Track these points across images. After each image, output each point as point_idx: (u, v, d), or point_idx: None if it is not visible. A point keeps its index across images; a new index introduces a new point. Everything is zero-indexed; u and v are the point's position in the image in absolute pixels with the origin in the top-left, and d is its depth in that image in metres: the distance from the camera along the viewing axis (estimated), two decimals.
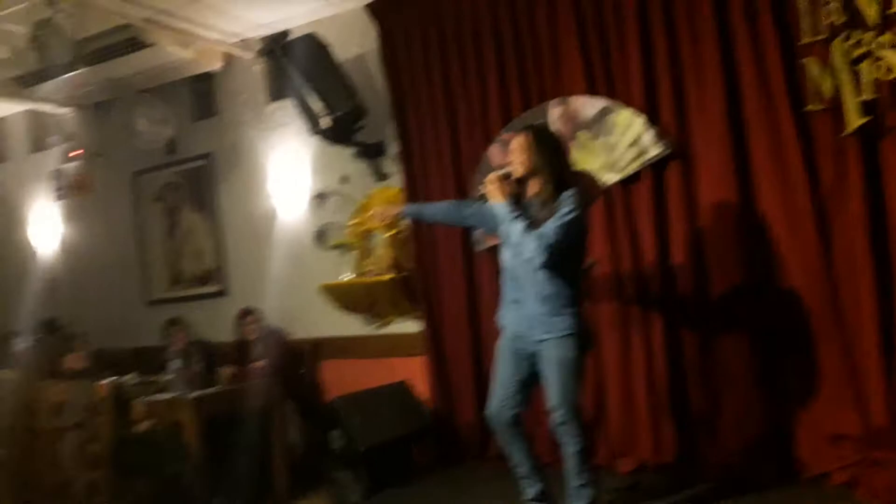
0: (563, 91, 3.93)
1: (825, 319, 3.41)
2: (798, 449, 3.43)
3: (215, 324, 4.98)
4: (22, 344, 4.88)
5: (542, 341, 2.90)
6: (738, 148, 3.58)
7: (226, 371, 4.52)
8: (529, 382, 2.99)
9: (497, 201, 2.91)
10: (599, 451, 3.87)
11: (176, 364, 4.36)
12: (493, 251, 4.12)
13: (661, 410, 3.74)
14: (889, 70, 3.14)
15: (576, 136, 3.88)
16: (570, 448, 2.92)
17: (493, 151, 4.14)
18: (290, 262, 4.93)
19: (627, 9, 3.74)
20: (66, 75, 4.73)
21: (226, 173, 5.32)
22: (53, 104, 5.73)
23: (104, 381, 3.89)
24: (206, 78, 5.23)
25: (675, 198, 3.72)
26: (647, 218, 3.77)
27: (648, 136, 3.70)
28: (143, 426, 3.96)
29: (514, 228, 2.85)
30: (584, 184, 3.87)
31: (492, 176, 2.93)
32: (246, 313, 4.76)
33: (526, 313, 2.93)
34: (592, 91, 3.85)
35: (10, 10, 3.96)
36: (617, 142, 3.77)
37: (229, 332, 4.76)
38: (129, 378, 4.49)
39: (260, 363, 4.60)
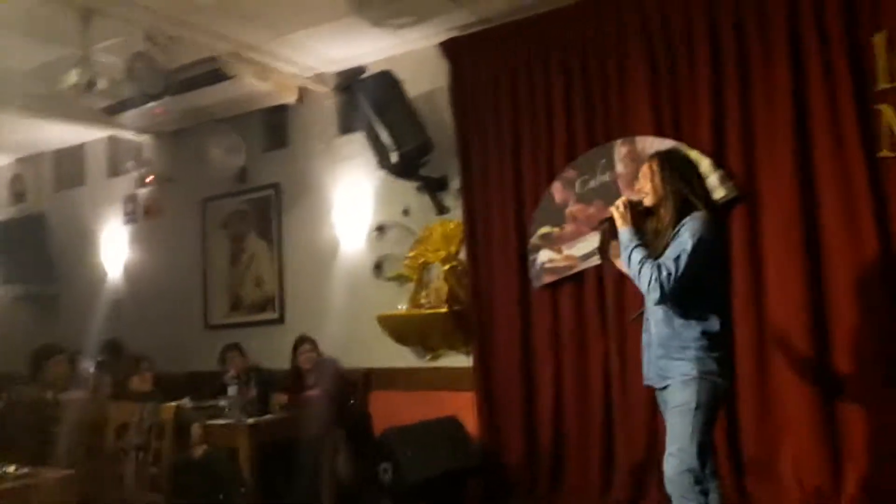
0: (629, 131, 3.97)
1: (888, 375, 3.29)
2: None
3: (271, 351, 5.06)
4: (88, 364, 5.01)
5: (663, 389, 2.65)
6: (806, 194, 3.55)
7: (280, 398, 4.57)
8: None
9: (621, 227, 2.69)
10: (650, 494, 3.77)
11: (232, 389, 4.41)
12: (552, 287, 4.15)
13: (716, 452, 3.62)
14: None
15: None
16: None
17: (556, 188, 4.19)
18: (347, 292, 5.02)
19: (699, 50, 3.78)
20: (150, 105, 5.00)
21: (292, 203, 5.48)
22: (133, 131, 6.03)
23: (168, 404, 3.96)
24: (281, 110, 5.44)
25: (739, 241, 3.69)
26: None
27: (714, 178, 3.69)
28: (200, 451, 4.00)
29: (633, 258, 2.61)
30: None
31: (620, 201, 2.73)
32: (302, 341, 4.80)
33: (649, 357, 2.70)
34: (659, 132, 3.88)
35: (109, 42, 4.21)
36: None
37: (285, 359, 4.81)
38: (185, 402, 4.57)
39: (313, 392, 4.64)
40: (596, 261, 4.05)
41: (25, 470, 3.02)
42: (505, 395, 4.34)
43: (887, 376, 3.31)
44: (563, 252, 4.15)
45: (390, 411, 4.67)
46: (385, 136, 4.52)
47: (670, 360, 2.58)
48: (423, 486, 3.93)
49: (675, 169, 2.68)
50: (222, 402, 4.42)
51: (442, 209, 4.75)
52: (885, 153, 3.34)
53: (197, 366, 5.46)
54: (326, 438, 4.39)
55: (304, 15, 4.31)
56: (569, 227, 4.16)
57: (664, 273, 2.50)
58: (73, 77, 4.02)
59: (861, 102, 3.40)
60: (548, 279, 4.20)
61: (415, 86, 4.63)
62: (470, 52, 4.53)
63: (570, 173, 4.15)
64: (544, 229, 4.11)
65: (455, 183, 4.67)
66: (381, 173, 4.80)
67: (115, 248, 6.37)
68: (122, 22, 4.04)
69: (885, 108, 3.31)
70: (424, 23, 4.46)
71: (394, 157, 4.54)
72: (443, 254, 4.64)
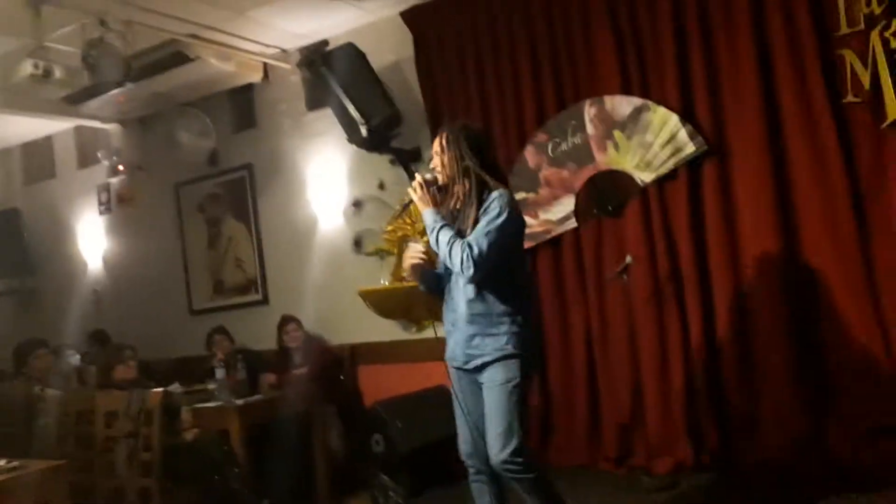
0: (597, 91, 3.96)
1: (864, 311, 3.37)
2: (839, 445, 3.37)
3: (257, 332, 5.06)
4: (73, 356, 5.00)
5: (478, 368, 2.52)
6: (774, 143, 3.57)
7: (268, 378, 4.60)
8: None
9: (422, 209, 2.57)
10: (637, 452, 3.85)
11: (220, 373, 4.43)
12: (530, 253, 4.17)
13: (700, 409, 3.71)
14: None
15: (611, 135, 3.90)
16: (522, 489, 2.47)
17: (529, 152, 4.18)
18: (328, 269, 5.03)
19: (661, 6, 3.76)
20: (113, 92, 4.91)
21: (266, 183, 5.44)
22: (99, 120, 5.93)
23: (155, 391, 3.98)
24: (247, 90, 5.37)
25: (711, 195, 3.72)
26: (683, 216, 3.77)
27: (683, 134, 3.70)
28: (191, 434, 4.03)
29: (441, 239, 2.50)
30: (620, 183, 3.90)
31: (415, 182, 2.59)
32: (286, 321, 4.82)
33: (459, 337, 2.56)
34: (627, 90, 3.87)
35: (64, 30, 4.11)
36: (652, 140, 3.79)
37: (271, 339, 4.83)
38: (174, 388, 4.59)
39: (301, 370, 4.67)
40: (572, 224, 4.08)
41: (16, 463, 3.04)
42: None
43: (860, 319, 3.37)
44: (539, 217, 4.16)
45: (378, 385, 4.74)
46: (353, 110, 4.47)
47: (483, 338, 2.49)
48: (415, 455, 4.00)
49: (467, 142, 2.55)
50: (211, 386, 4.45)
51: None
52: (849, 98, 3.36)
53: (184, 351, 5.48)
54: (317, 415, 4.44)
55: None
56: (543, 192, 4.16)
57: (475, 251, 2.41)
58: (27, 68, 3.93)
59: (824, 49, 3.40)
60: (526, 245, 4.20)
61: (380, 57, 4.58)
62: (432, 20, 4.47)
63: (541, 137, 4.14)
64: (519, 195, 4.10)
65: (428, 154, 4.62)
66: (354, 148, 4.77)
67: (91, 239, 6.32)
68: (73, 9, 3.93)
69: (848, 53, 3.32)
70: None
71: (363, 131, 4.50)
72: (421, 226, 4.64)
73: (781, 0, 3.48)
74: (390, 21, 4.62)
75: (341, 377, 4.89)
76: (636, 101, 3.82)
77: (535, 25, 4.14)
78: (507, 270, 2.51)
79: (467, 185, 2.53)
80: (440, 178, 2.60)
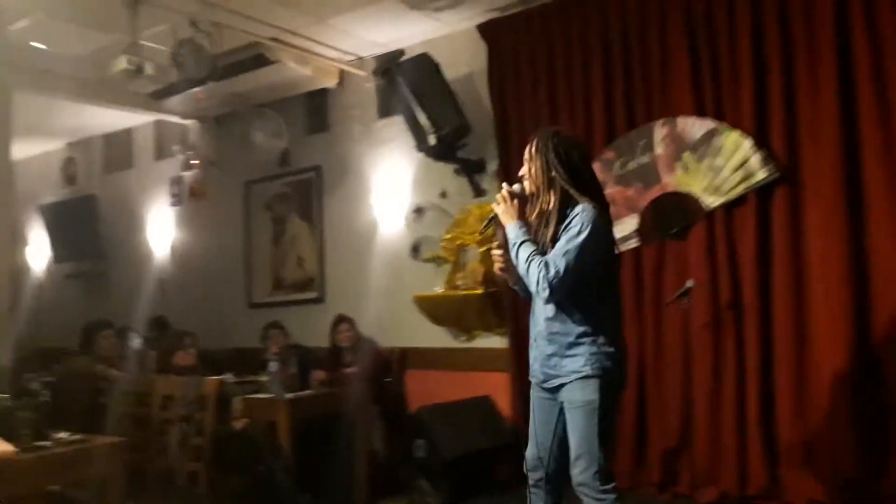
0: (670, 111, 3.93)
1: None
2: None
3: (311, 329, 5.16)
4: (136, 340, 5.20)
5: (557, 387, 2.45)
6: (850, 177, 3.46)
7: (318, 375, 4.67)
8: (564, 434, 2.46)
9: (506, 223, 2.45)
10: (682, 479, 3.77)
11: (273, 366, 4.53)
12: None
13: (750, 440, 3.61)
14: None
15: (681, 157, 3.87)
16: None
17: (596, 168, 4.15)
18: (385, 273, 5.10)
19: (742, 29, 3.72)
20: (194, 89, 5.12)
21: (333, 185, 5.57)
22: (179, 116, 6.19)
23: (211, 378, 4.09)
24: (321, 94, 5.53)
25: (781, 223, 3.63)
26: (750, 243, 3.69)
27: (756, 160, 3.64)
28: (241, 423, 4.13)
29: (521, 255, 2.39)
30: (686, 206, 3.86)
31: (500, 194, 2.47)
32: (340, 320, 4.90)
33: (538, 354, 2.50)
34: (700, 112, 3.83)
35: (156, 29, 4.33)
36: (723, 164, 3.73)
37: (324, 337, 4.91)
38: (228, 377, 4.70)
39: (351, 370, 4.73)
40: (634, 243, 4.04)
41: (78, 436, 3.18)
42: None
43: None
44: None
45: (426, 390, 4.76)
46: (423, 119, 4.56)
47: (561, 358, 2.41)
48: (456, 462, 3.99)
49: (556, 153, 2.41)
50: (263, 378, 4.54)
51: (479, 192, 4.77)
52: None
53: (240, 343, 5.62)
54: (362, 415, 4.48)
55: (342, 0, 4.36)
56: None
57: (552, 271, 2.30)
58: (122, 63, 4.15)
59: None
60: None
61: (453, 69, 4.66)
62: (508, 34, 4.52)
63: (608, 154, 4.13)
64: None
65: (492, 166, 4.68)
66: (419, 156, 4.85)
67: (161, 229, 6.57)
68: (167, 9, 4.15)
69: None
70: (462, 5, 4.47)
71: (432, 140, 4.58)
72: (479, 236, 4.67)
73: (868, 29, 3.40)
74: (466, 33, 4.71)
75: (389, 380, 4.94)
76: (709, 123, 3.78)
77: (611, 42, 4.15)
78: (588, 289, 2.38)
79: (552, 198, 2.40)
80: (527, 187, 2.47)
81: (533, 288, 2.35)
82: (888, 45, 3.37)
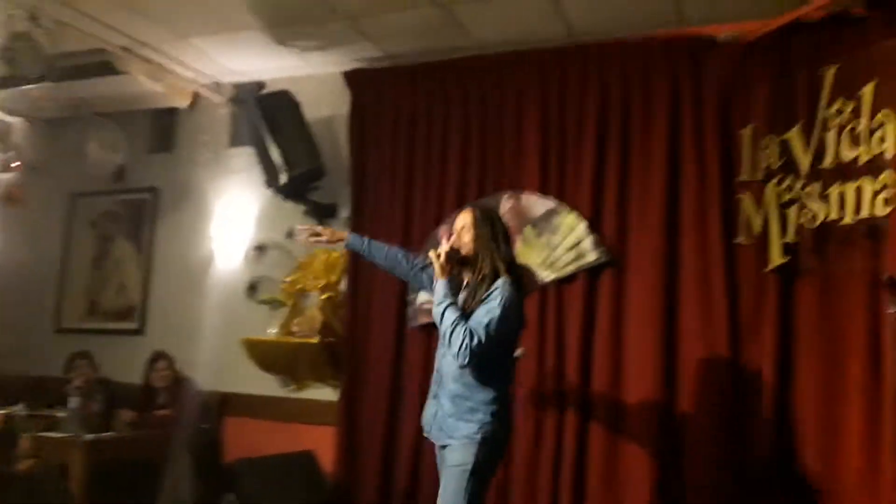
0: (517, 185, 4.08)
1: (728, 437, 3.50)
2: None
3: (125, 363, 4.76)
4: None
5: (444, 447, 2.67)
6: (670, 266, 3.75)
7: (126, 415, 4.33)
8: None
9: (437, 277, 2.71)
10: None
11: (74, 401, 4.14)
12: (427, 329, 4.15)
13: None
14: (813, 218, 3.39)
15: (523, 230, 4.01)
16: None
17: (442, 232, 4.22)
18: (215, 310, 4.83)
19: (588, 121, 3.97)
20: (27, 87, 4.68)
21: (169, 210, 5.24)
22: (3, 111, 5.60)
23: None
24: (170, 113, 5.24)
25: (605, 303, 3.85)
26: (576, 318, 3.87)
27: (588, 242, 3.86)
28: (26, 464, 3.70)
29: (446, 317, 2.63)
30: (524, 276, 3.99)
31: (440, 251, 2.73)
32: (158, 357, 4.61)
33: (436, 411, 2.72)
34: (544, 190, 4.01)
35: None
36: (559, 242, 3.92)
37: (138, 374, 4.57)
38: (18, 409, 4.23)
39: (164, 412, 4.43)
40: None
41: None
42: (367, 433, 4.26)
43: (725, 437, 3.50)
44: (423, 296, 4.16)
45: (245, 440, 4.51)
46: (276, 156, 4.43)
47: (458, 420, 2.63)
48: None
49: (492, 227, 2.76)
50: (61, 413, 4.12)
51: None
52: (741, 240, 3.60)
53: (42, 371, 5.08)
54: (171, 463, 4.16)
55: (207, 20, 4.18)
56: None
57: (475, 340, 2.55)
58: None
59: (726, 190, 3.66)
60: (423, 320, 4.20)
61: (314, 109, 4.58)
62: (373, 86, 4.54)
63: (452, 215, 4.20)
64: None
65: (344, 212, 4.62)
66: (268, 192, 4.69)
67: None
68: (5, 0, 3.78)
69: (745, 198, 3.58)
70: (330, 49, 4.44)
71: (283, 178, 4.46)
72: (322, 282, 4.55)
73: (695, 139, 3.75)
74: (331, 77, 4.65)
75: (206, 426, 4.62)
76: (550, 203, 3.97)
77: (470, 111, 4.27)
78: (495, 358, 2.64)
79: (487, 267, 2.68)
80: (462, 251, 2.75)
81: (454, 350, 2.57)
82: (709, 151, 3.71)
